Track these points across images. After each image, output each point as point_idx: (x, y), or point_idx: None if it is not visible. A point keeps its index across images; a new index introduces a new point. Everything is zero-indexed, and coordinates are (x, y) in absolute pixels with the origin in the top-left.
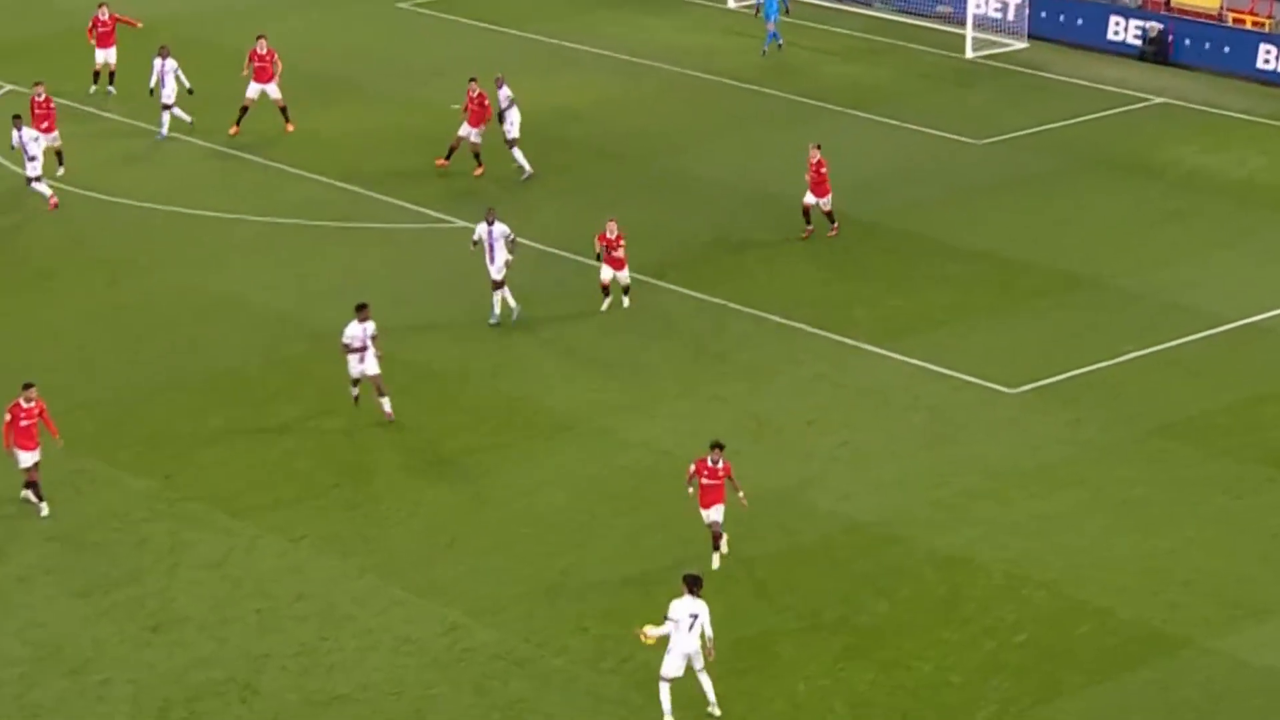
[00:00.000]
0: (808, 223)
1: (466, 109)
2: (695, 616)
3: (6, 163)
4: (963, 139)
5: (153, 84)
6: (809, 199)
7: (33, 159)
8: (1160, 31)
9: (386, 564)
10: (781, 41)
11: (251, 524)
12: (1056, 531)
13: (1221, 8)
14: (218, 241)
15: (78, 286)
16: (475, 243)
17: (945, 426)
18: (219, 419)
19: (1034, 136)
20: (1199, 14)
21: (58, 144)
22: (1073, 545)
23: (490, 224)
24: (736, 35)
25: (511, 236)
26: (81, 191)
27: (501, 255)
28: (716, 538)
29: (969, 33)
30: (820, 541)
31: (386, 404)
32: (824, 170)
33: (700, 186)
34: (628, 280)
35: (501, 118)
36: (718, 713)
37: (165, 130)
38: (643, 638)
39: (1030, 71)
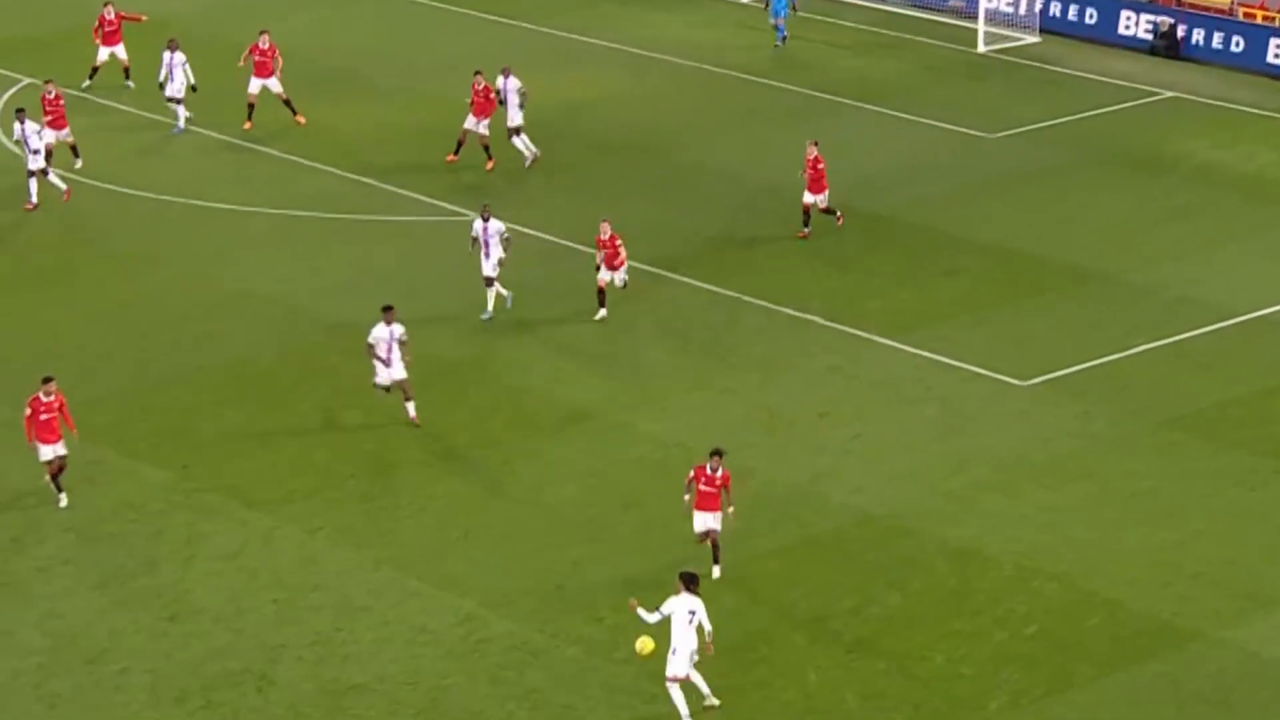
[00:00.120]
0: (806, 223)
1: (472, 102)
2: (693, 613)
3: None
4: (974, 133)
5: (161, 77)
6: (808, 198)
7: (35, 152)
8: (1171, 26)
9: (401, 556)
10: (785, 36)
11: (267, 516)
12: (1067, 524)
13: (1233, 3)
14: (232, 234)
15: (94, 279)
16: (474, 240)
17: (956, 419)
18: (235, 411)
19: (1045, 130)
20: (1210, 9)
21: (70, 139)
22: (1083, 537)
23: (485, 220)
24: (748, 30)
25: (506, 234)
26: (97, 184)
27: (496, 252)
28: (715, 548)
29: (981, 27)
30: (832, 533)
31: (411, 408)
32: (821, 167)
33: (712, 180)
34: (625, 278)
35: (506, 105)
36: (716, 702)
37: (181, 123)
38: (632, 608)
39: (1042, 66)
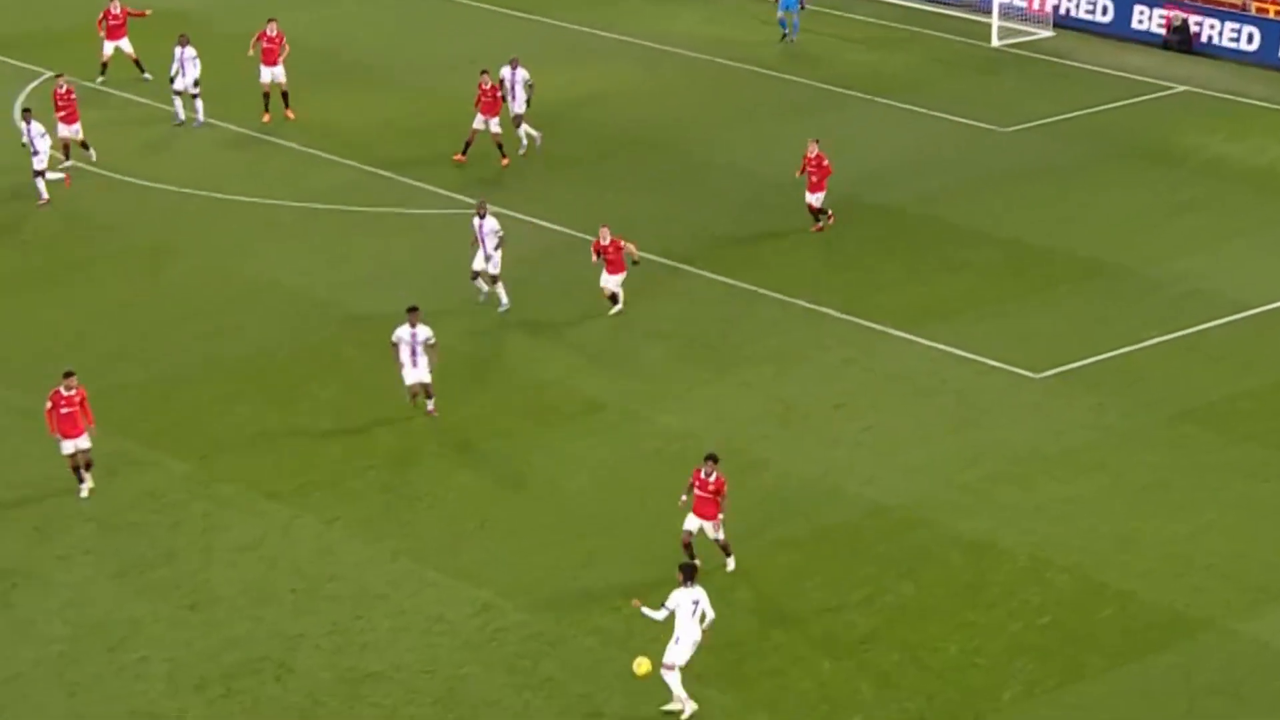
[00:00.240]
0: (816, 220)
1: (478, 100)
2: (696, 603)
3: (57, 152)
4: (988, 126)
5: (173, 72)
6: (810, 198)
7: (36, 153)
8: (1184, 20)
9: (419, 546)
10: (796, 34)
11: (286, 506)
12: (1080, 515)
13: None
14: (251, 226)
15: (114, 272)
16: (473, 239)
17: (970, 411)
18: (253, 403)
19: (1058, 124)
20: (1223, 3)
21: (79, 136)
22: (1096, 529)
23: (481, 217)
24: (760, 24)
25: (500, 233)
26: (116, 176)
27: (491, 250)
28: (723, 549)
29: (995, 21)
30: (846, 525)
31: (430, 403)
32: (825, 163)
33: (725, 173)
34: (617, 286)
35: (512, 95)
36: (694, 707)
37: (201, 115)
38: (636, 607)
39: (1055, 60)
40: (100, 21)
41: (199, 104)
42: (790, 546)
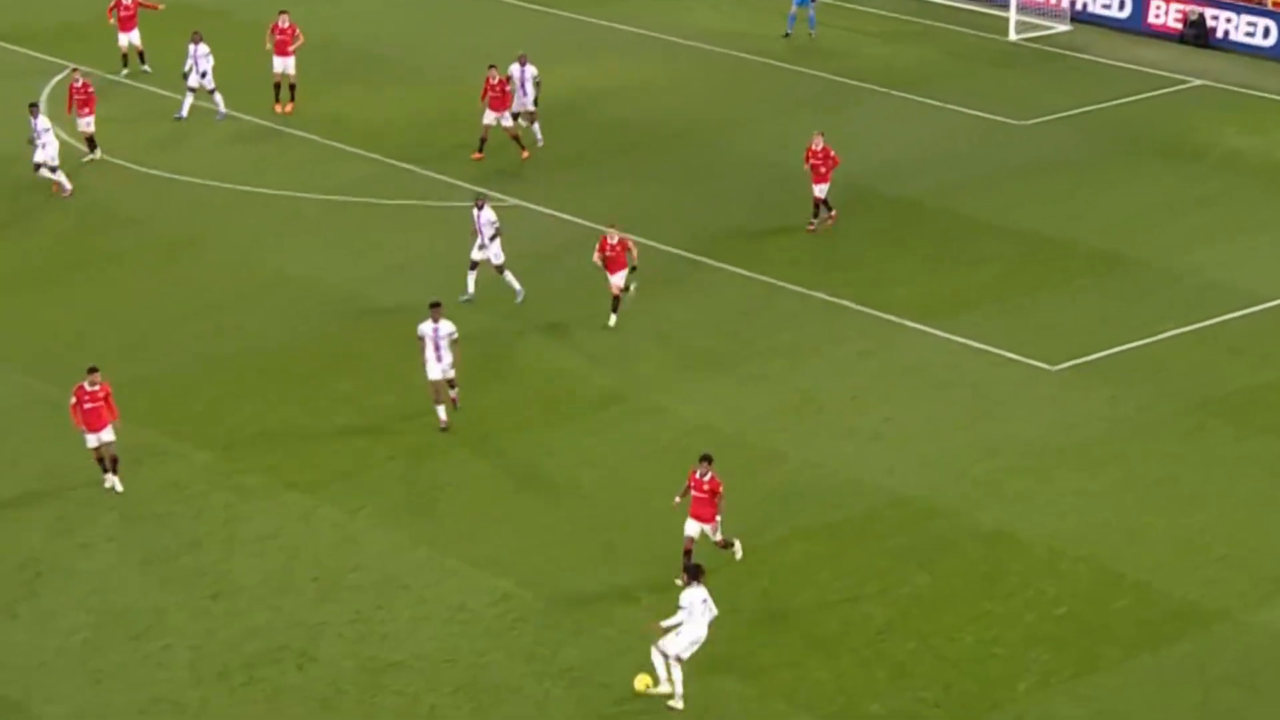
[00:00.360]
0: (829, 209)
1: (486, 95)
2: (705, 602)
3: (71, 140)
4: (1004, 120)
5: (186, 67)
6: (816, 190)
7: (43, 146)
8: (1200, 15)
9: (439, 536)
10: (815, 28)
11: (308, 496)
12: (1096, 507)
13: None
14: (275, 219)
15: (138, 264)
16: (473, 230)
17: (986, 403)
18: (276, 393)
19: (1075, 118)
20: None
21: (90, 130)
22: (1111, 521)
23: (479, 209)
24: (778, 17)
25: (496, 225)
26: (141, 169)
27: (488, 241)
28: (726, 545)
29: (1012, 15)
30: (863, 516)
31: (441, 410)
32: (833, 155)
33: (744, 165)
34: (623, 285)
35: (522, 91)
36: (679, 706)
37: (222, 109)
38: (655, 630)
39: (1072, 54)
40: (110, 10)
41: (218, 98)
42: (807, 537)
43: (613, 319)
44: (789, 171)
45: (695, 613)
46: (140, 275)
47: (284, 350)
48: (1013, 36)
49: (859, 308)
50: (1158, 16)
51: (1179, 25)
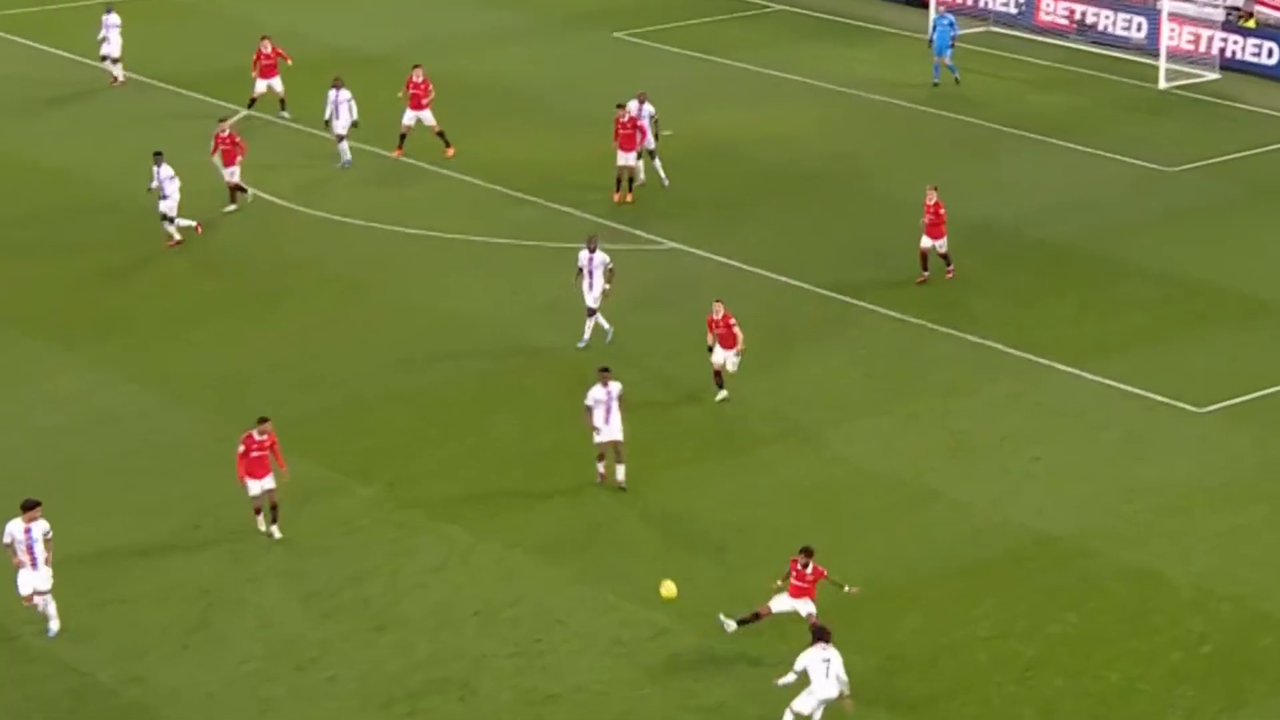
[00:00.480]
0: (925, 268)
1: (618, 135)
2: (828, 662)
3: (250, 188)
4: (1153, 166)
5: (327, 115)
6: (925, 243)
7: (166, 198)
8: None
9: (597, 570)
10: (958, 76)
11: (469, 531)
12: (1243, 546)
13: None
14: (439, 260)
15: (305, 302)
16: (579, 270)
17: (1134, 445)
18: (439, 430)
19: (1223, 165)
20: None
21: (235, 179)
22: (1259, 560)
23: (592, 251)
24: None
25: (611, 266)
26: (308, 211)
27: (600, 284)
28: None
29: (1162, 63)
30: (1012, 554)
31: (621, 471)
32: (942, 212)
33: (900, 209)
34: (737, 362)
35: (655, 134)
36: None
37: (347, 158)
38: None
39: (1221, 101)
40: (255, 61)
41: (343, 146)
42: (958, 575)
43: (722, 393)
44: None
45: (816, 674)
46: (309, 315)
47: (449, 387)
48: (1162, 84)
49: (1009, 350)
50: None
51: None
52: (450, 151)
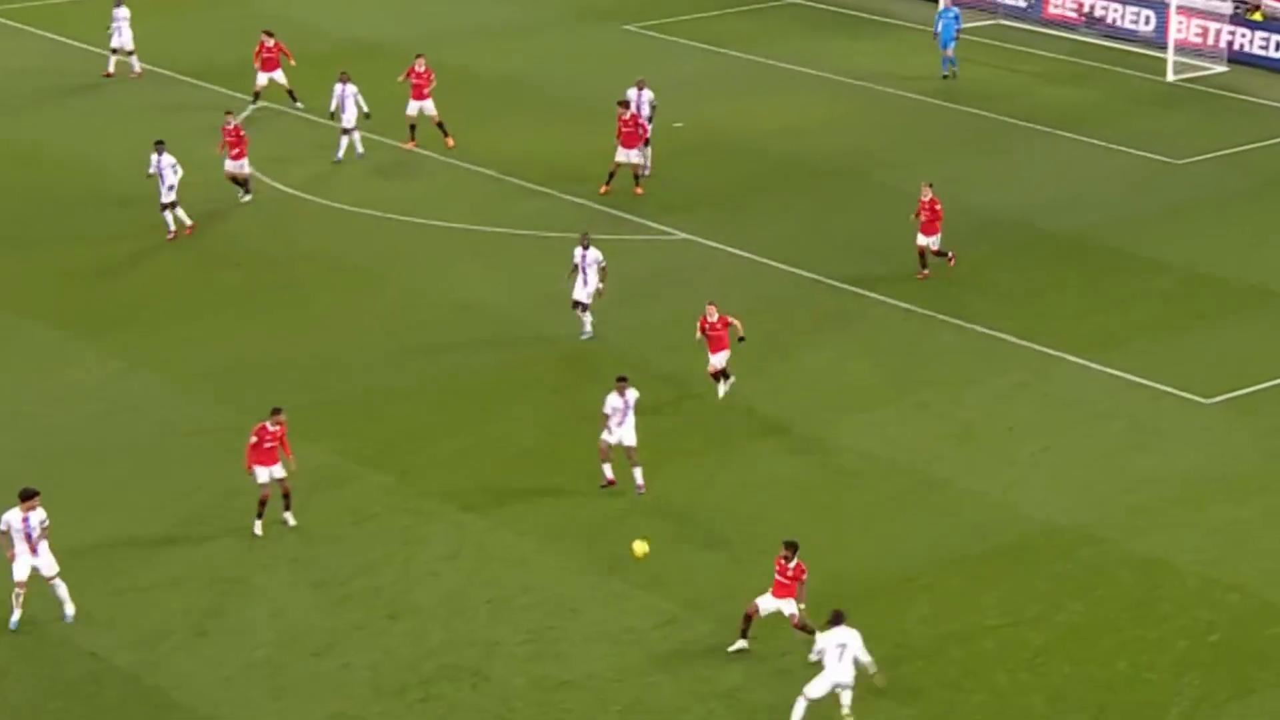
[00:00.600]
0: (924, 265)
1: (620, 133)
2: (844, 646)
3: (264, 178)
4: (1161, 158)
5: (333, 108)
6: (921, 240)
7: (170, 187)
8: None
9: (608, 558)
10: (956, 69)
11: (482, 519)
12: (1249, 537)
13: None
14: (450, 250)
15: (320, 293)
16: (575, 267)
17: (1141, 435)
18: (452, 418)
19: (1230, 157)
20: None
21: (246, 171)
22: (1265, 549)
23: (585, 248)
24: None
25: (603, 263)
26: (322, 201)
27: (594, 280)
28: (804, 629)
29: (1170, 56)
30: (1020, 543)
31: (638, 474)
32: (938, 208)
33: (911, 202)
34: (724, 363)
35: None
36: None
37: (340, 154)
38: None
39: (1229, 94)
40: (256, 54)
41: (356, 136)
42: (966, 563)
43: (722, 388)
44: (955, 208)
45: (830, 658)
46: (321, 305)
47: (462, 376)
48: (1170, 77)
49: (1017, 341)
50: None
51: None
52: (450, 142)
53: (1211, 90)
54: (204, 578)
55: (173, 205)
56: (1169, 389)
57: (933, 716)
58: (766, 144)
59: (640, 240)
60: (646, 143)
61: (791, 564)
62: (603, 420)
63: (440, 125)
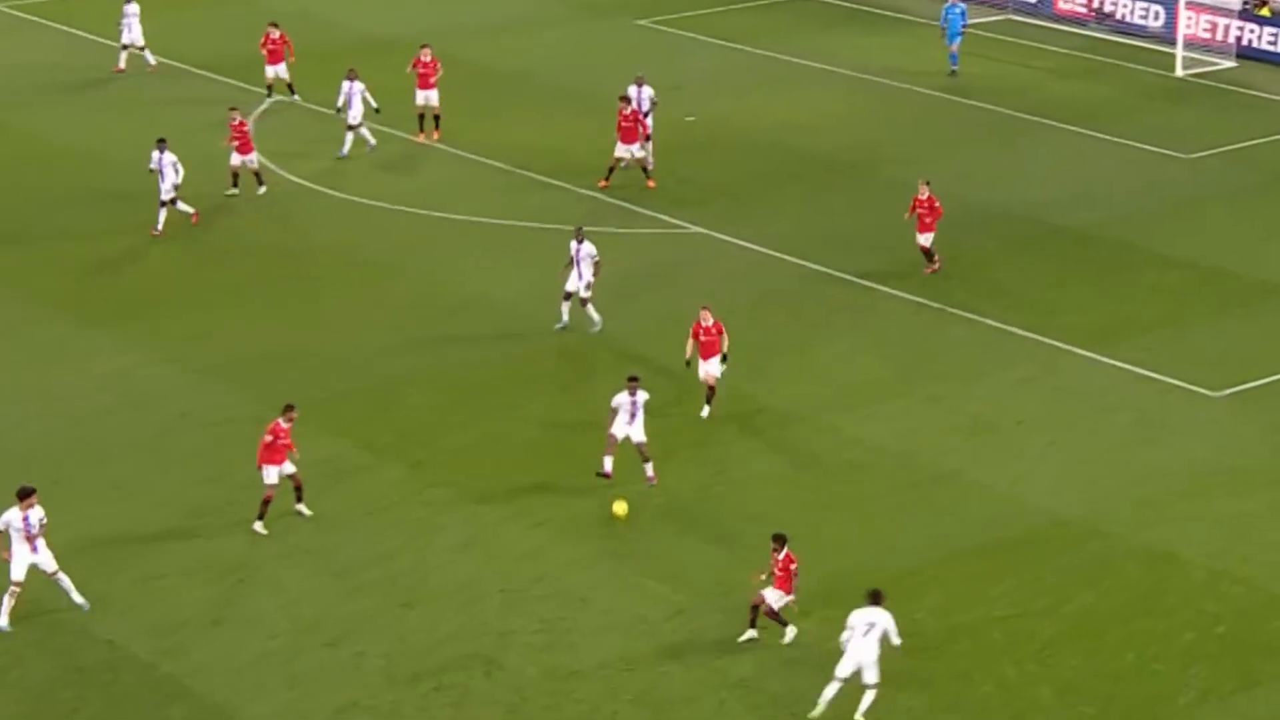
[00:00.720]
0: (932, 259)
1: (619, 127)
2: (872, 625)
3: (281, 171)
4: (1170, 153)
5: (339, 104)
6: (921, 239)
7: (172, 185)
8: None
9: (620, 550)
10: (955, 68)
11: (497, 509)
12: (1256, 529)
13: None
14: (464, 243)
15: (336, 285)
16: (569, 260)
17: (1150, 428)
18: (466, 410)
19: (1239, 152)
20: None
21: (254, 165)
22: (1271, 542)
23: (579, 242)
24: (960, 54)
25: (597, 258)
26: (338, 194)
27: (587, 274)
28: (778, 618)
29: (1179, 51)
30: (1029, 535)
31: (649, 468)
32: (937, 205)
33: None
34: (718, 375)
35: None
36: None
37: (346, 150)
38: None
39: (1237, 89)
40: (262, 44)
41: (365, 130)
42: (975, 555)
43: (706, 409)
44: (967, 202)
45: (857, 634)
46: (336, 296)
47: (474, 369)
48: (1179, 72)
49: (1026, 334)
50: None
51: None
52: (436, 135)
53: (1220, 85)
54: (219, 567)
55: (172, 203)
56: (1177, 382)
57: (942, 707)
58: (778, 138)
59: (653, 234)
60: (648, 138)
61: (780, 555)
62: (611, 415)
63: (436, 117)
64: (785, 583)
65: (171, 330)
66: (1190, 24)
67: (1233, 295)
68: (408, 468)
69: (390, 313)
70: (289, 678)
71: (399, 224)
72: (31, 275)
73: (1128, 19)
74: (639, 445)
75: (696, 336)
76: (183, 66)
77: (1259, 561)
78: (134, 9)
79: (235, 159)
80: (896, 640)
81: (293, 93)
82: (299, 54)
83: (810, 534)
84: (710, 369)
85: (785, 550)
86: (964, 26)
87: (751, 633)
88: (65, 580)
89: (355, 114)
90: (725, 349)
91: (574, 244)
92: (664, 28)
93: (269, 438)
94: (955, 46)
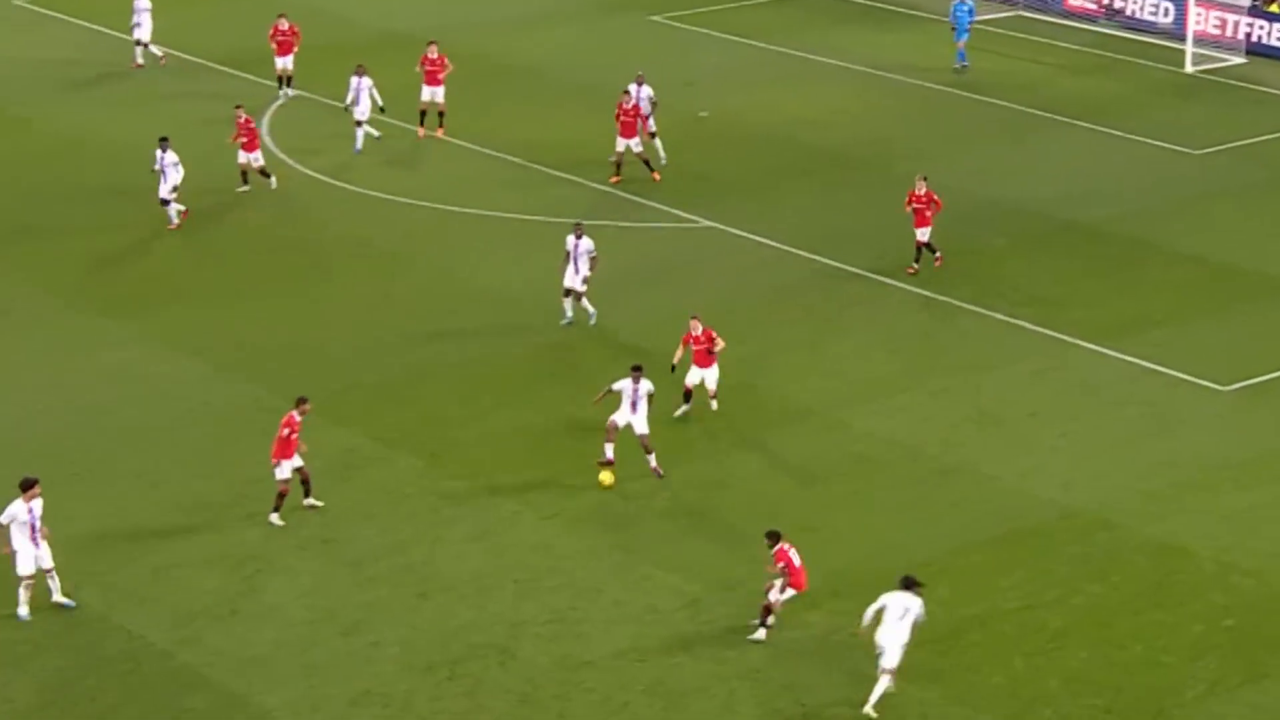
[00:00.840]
0: (933, 251)
1: (619, 119)
2: (907, 610)
3: (293, 163)
4: (1180, 149)
5: (348, 101)
6: (919, 234)
7: (173, 186)
8: None
9: (632, 541)
10: (956, 66)
11: (510, 501)
12: (1264, 523)
13: None
14: (479, 236)
15: (350, 278)
16: (566, 255)
17: (1159, 421)
18: (481, 402)
19: (1248, 148)
20: None
21: (260, 163)
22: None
23: (578, 237)
24: (970, 51)
25: (594, 254)
26: (353, 189)
27: (584, 269)
28: (764, 610)
29: (1189, 48)
30: (1038, 527)
31: (653, 459)
32: (937, 199)
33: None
34: (715, 382)
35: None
36: (873, 715)
37: (359, 145)
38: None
39: (1246, 85)
40: (271, 35)
41: (359, 132)
42: (985, 547)
43: (682, 409)
44: (976, 197)
45: (891, 616)
46: (352, 289)
47: (492, 360)
48: (1189, 68)
49: (1036, 328)
50: None
51: None
52: (432, 131)
53: (1230, 81)
54: (236, 557)
55: (165, 203)
56: (1186, 376)
57: (952, 698)
58: (790, 134)
59: (665, 228)
60: (652, 135)
61: (771, 552)
62: (605, 393)
63: (440, 114)
64: (797, 578)
65: (185, 323)
66: (1200, 20)
67: (1241, 290)
68: (423, 459)
69: (403, 306)
70: (305, 667)
71: (412, 218)
72: (48, 268)
73: (1137, 15)
74: (641, 437)
75: (686, 345)
76: (199, 61)
77: (1268, 554)
78: (144, 4)
79: (242, 157)
80: (922, 620)
81: (289, 85)
82: (313, 49)
83: (820, 527)
84: (707, 378)
85: (778, 547)
86: (971, 23)
87: (761, 634)
88: (54, 580)
89: (363, 110)
90: (718, 350)
91: (572, 239)
92: (677, 23)
93: (285, 431)
94: (962, 43)
